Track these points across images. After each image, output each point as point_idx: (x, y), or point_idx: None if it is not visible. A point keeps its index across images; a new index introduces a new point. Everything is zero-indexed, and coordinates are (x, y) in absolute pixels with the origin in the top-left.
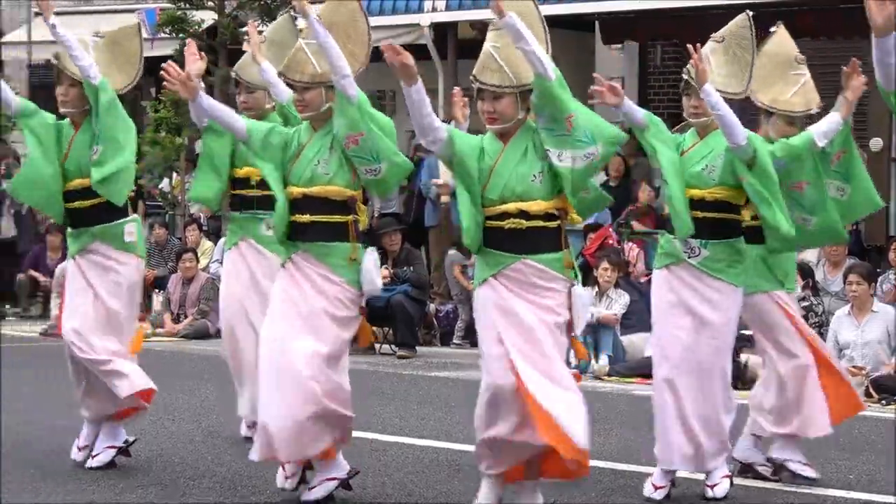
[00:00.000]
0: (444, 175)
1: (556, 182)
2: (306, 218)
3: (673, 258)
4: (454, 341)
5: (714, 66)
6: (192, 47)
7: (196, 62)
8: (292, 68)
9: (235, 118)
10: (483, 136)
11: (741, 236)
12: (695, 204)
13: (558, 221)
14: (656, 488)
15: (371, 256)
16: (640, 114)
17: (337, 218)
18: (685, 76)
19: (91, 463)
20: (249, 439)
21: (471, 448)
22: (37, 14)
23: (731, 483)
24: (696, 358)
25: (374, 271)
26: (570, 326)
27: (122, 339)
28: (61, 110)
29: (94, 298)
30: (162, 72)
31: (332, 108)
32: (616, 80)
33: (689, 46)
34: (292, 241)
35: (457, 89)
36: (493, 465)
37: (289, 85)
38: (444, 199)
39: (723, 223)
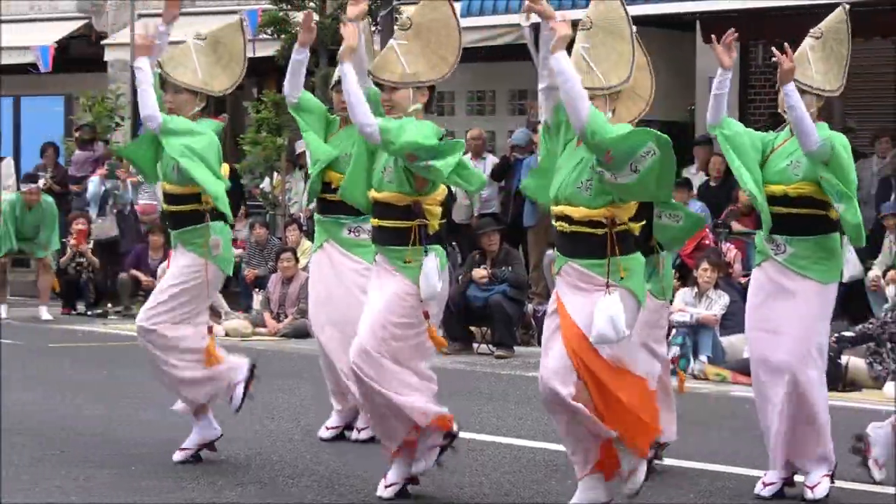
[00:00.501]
0: None
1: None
2: (376, 222)
3: (763, 255)
4: None
5: (812, 63)
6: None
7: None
8: (381, 67)
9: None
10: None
11: (830, 232)
12: (778, 200)
13: (606, 230)
14: (765, 485)
15: (432, 261)
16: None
17: (400, 223)
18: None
19: (176, 456)
20: (340, 437)
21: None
22: (140, 16)
23: (832, 481)
24: (779, 357)
25: (431, 275)
26: None
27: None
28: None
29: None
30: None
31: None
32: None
33: (778, 52)
34: (374, 243)
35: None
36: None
37: (377, 84)
38: None
39: (808, 219)
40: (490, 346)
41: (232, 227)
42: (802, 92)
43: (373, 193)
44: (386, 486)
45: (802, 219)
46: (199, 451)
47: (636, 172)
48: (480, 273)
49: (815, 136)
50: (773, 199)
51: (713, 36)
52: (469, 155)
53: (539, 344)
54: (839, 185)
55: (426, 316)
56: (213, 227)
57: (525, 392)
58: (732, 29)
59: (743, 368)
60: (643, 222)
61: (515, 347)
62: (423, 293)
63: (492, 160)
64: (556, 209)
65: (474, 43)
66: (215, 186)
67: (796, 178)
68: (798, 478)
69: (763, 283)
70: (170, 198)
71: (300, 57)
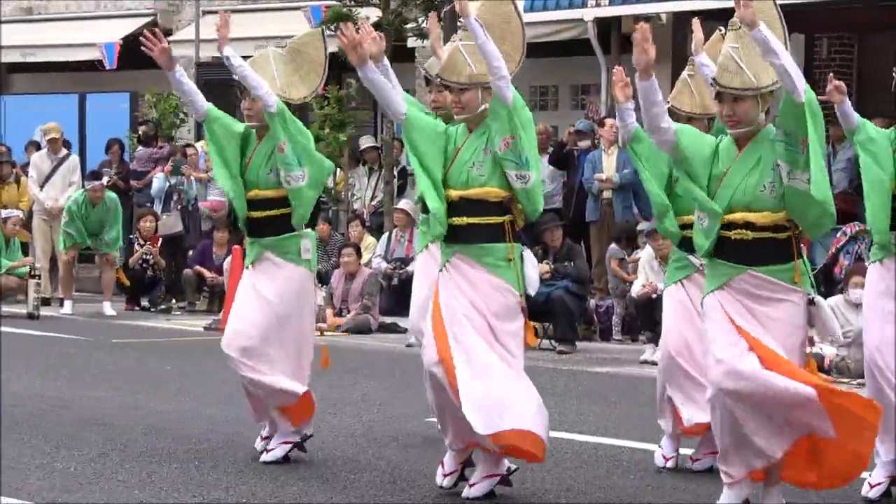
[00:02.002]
0: (608, 170)
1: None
2: (464, 221)
3: (886, 252)
4: (614, 337)
5: None
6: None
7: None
8: (449, 69)
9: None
10: (718, 140)
11: None
12: None
13: (788, 233)
14: (871, 486)
15: (530, 258)
16: (856, 119)
17: (493, 219)
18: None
19: (264, 458)
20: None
21: (630, 444)
22: (205, 12)
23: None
24: None
25: (533, 272)
26: (808, 341)
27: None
28: (246, 123)
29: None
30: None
31: (488, 110)
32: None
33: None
34: (449, 244)
35: (618, 68)
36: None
37: (445, 86)
38: (606, 194)
39: None
40: (552, 341)
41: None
42: None
43: (456, 192)
44: (444, 475)
45: None
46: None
47: (809, 183)
48: (543, 268)
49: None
50: None
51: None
52: None
53: (601, 339)
54: None
55: (524, 311)
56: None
57: (586, 387)
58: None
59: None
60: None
61: (577, 343)
62: (529, 290)
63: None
64: (731, 217)
65: (537, 38)
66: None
67: None
68: None
69: (884, 277)
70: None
71: (370, 75)
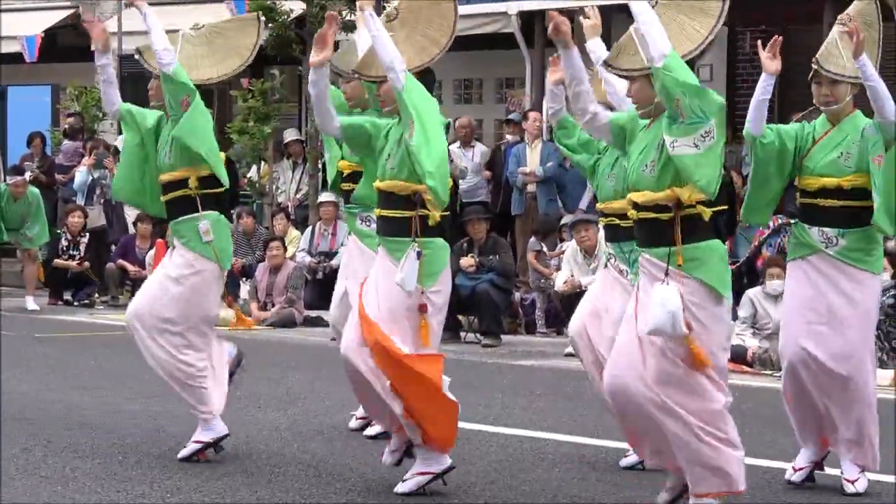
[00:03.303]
0: (532, 164)
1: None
2: (378, 212)
3: (810, 249)
4: (539, 330)
5: (842, 51)
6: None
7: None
8: (367, 64)
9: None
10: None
11: (871, 222)
12: (831, 193)
13: (670, 214)
14: (795, 470)
15: (412, 254)
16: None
17: (401, 213)
18: (814, 65)
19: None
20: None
21: (555, 437)
22: (128, 5)
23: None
24: (832, 350)
25: (407, 268)
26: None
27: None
28: (151, 103)
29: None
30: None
31: None
32: (704, 67)
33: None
34: (378, 235)
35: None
36: None
37: (371, 81)
38: (530, 187)
39: (860, 211)
40: (477, 334)
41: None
42: (835, 82)
43: (377, 183)
44: (391, 452)
45: (855, 210)
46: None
47: (696, 147)
48: (468, 261)
49: (892, 106)
50: (825, 192)
51: (759, 42)
52: (458, 143)
53: (526, 333)
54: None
55: (422, 309)
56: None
57: (511, 380)
58: (779, 37)
59: (731, 356)
60: (724, 207)
61: (502, 336)
62: (396, 280)
63: (480, 148)
64: (625, 201)
65: (461, 32)
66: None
67: (849, 170)
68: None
69: (812, 276)
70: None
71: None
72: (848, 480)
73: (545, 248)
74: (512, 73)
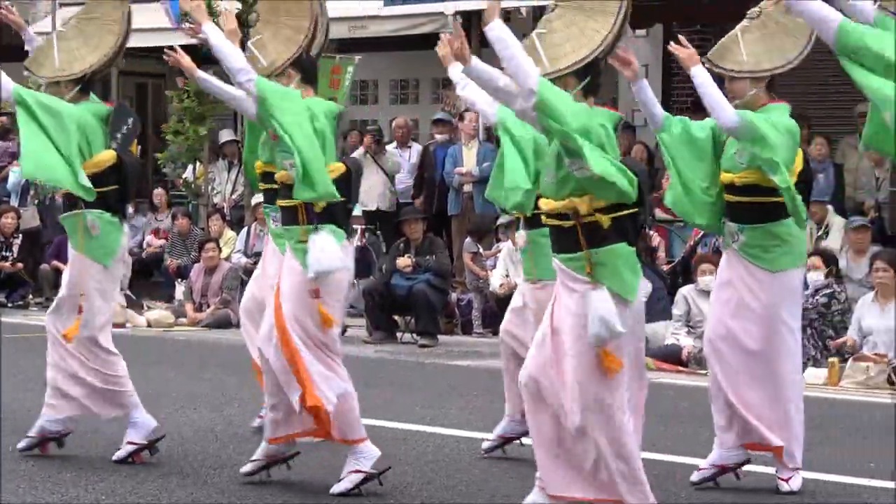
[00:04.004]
0: (468, 164)
1: None
2: (277, 203)
3: (727, 241)
4: (476, 330)
5: (744, 46)
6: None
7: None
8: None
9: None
10: None
11: (781, 219)
12: (728, 189)
13: (572, 221)
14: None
15: (319, 237)
16: (660, 114)
17: (288, 202)
18: (705, 64)
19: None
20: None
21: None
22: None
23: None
24: (741, 344)
25: (316, 250)
26: None
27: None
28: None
29: None
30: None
31: None
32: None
33: (674, 45)
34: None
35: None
36: None
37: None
38: (467, 187)
39: (756, 207)
40: (414, 335)
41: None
42: (732, 79)
43: (277, 174)
44: None
45: (751, 207)
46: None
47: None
48: (404, 262)
49: (728, 113)
50: (728, 188)
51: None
52: (394, 144)
53: (463, 333)
54: (766, 155)
55: (315, 295)
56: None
57: (449, 381)
58: (624, 46)
59: (665, 357)
60: (623, 212)
61: (439, 336)
62: (310, 269)
63: (416, 149)
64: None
65: (397, 31)
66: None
67: (741, 166)
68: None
69: (724, 267)
70: None
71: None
72: (782, 479)
73: (481, 249)
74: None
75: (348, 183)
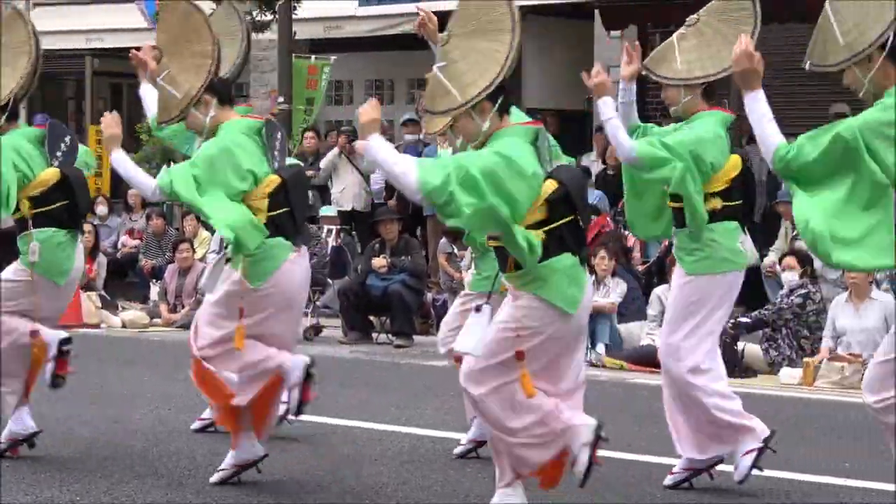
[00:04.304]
0: None
1: None
2: None
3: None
4: None
5: (679, 54)
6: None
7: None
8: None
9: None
10: None
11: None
12: (670, 195)
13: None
14: (671, 474)
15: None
16: (627, 146)
17: None
18: (642, 71)
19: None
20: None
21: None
22: (35, 5)
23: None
24: (668, 344)
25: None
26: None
27: None
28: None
29: None
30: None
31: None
32: (615, 69)
33: (585, 75)
34: None
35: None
36: None
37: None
38: None
39: (681, 211)
40: (389, 335)
41: (80, 233)
42: (666, 86)
43: None
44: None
45: (678, 211)
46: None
47: None
48: (379, 262)
49: (626, 148)
50: (664, 193)
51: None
52: None
53: (437, 333)
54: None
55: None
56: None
57: (424, 381)
58: (638, 43)
59: (640, 357)
60: (555, 224)
61: (414, 336)
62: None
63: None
64: None
65: (373, 32)
66: None
67: None
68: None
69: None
70: None
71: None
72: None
73: (456, 250)
74: (423, 73)
75: (286, 193)
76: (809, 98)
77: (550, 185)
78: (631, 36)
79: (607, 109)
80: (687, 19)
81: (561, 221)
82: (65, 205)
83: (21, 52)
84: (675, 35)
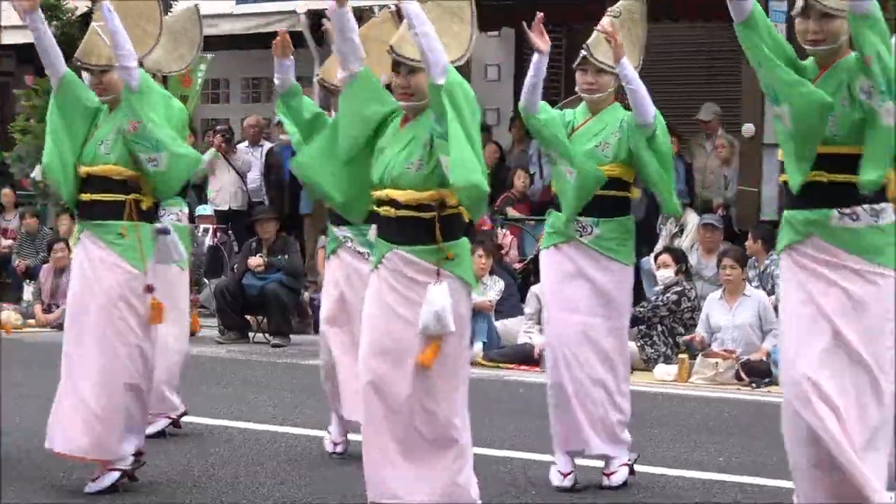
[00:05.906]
0: None
1: None
2: (88, 197)
3: (563, 237)
4: None
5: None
6: None
7: None
8: (88, 52)
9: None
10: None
11: (628, 213)
12: None
13: (434, 213)
14: (564, 475)
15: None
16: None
17: (116, 196)
18: (583, 51)
19: None
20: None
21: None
22: None
23: (632, 472)
24: (594, 335)
25: (163, 247)
26: None
27: None
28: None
29: None
30: None
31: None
32: (492, 67)
33: (605, 27)
34: (79, 220)
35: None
36: None
37: (85, 69)
38: None
39: (615, 201)
40: (266, 334)
41: None
42: (601, 71)
43: (84, 168)
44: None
45: (610, 200)
46: None
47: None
48: (256, 261)
49: (652, 107)
50: None
51: (524, 24)
52: (246, 143)
53: (315, 332)
54: (660, 168)
55: (151, 289)
56: None
57: (301, 381)
58: (542, 14)
59: (517, 354)
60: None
61: (291, 336)
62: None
63: (269, 148)
64: (379, 193)
65: (249, 30)
66: None
67: (606, 160)
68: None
69: (561, 263)
70: None
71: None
72: (605, 474)
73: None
74: (301, 71)
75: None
76: (682, 98)
77: None
78: (508, 36)
79: (628, 72)
80: (609, 10)
81: None
82: None
83: None
84: (605, 22)
